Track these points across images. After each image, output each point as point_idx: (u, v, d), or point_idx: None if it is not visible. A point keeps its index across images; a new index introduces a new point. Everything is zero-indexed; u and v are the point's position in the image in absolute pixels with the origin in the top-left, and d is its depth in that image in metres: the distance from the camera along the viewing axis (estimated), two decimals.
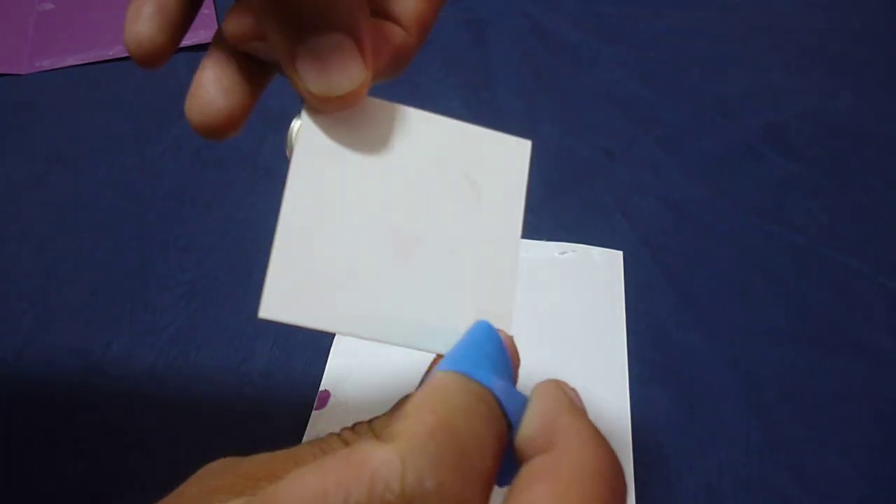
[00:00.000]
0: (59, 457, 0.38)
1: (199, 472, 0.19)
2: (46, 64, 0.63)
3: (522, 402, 0.18)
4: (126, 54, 0.62)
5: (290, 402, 0.40)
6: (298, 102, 0.21)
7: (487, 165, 0.22)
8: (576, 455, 0.15)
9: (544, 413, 0.17)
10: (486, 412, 0.16)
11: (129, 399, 0.40)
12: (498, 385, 0.17)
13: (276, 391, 0.40)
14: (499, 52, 0.66)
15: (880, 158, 0.56)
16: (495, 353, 0.19)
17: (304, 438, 0.38)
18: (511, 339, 0.20)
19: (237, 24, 0.19)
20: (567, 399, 0.17)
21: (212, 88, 0.20)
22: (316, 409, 0.39)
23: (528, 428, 0.17)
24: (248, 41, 0.20)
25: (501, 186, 0.22)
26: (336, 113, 0.20)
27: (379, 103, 0.21)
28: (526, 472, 0.16)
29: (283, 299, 0.18)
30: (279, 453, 0.19)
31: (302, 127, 0.20)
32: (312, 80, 0.18)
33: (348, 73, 0.18)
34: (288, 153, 0.20)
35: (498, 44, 0.66)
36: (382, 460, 0.14)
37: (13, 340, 0.43)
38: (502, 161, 0.22)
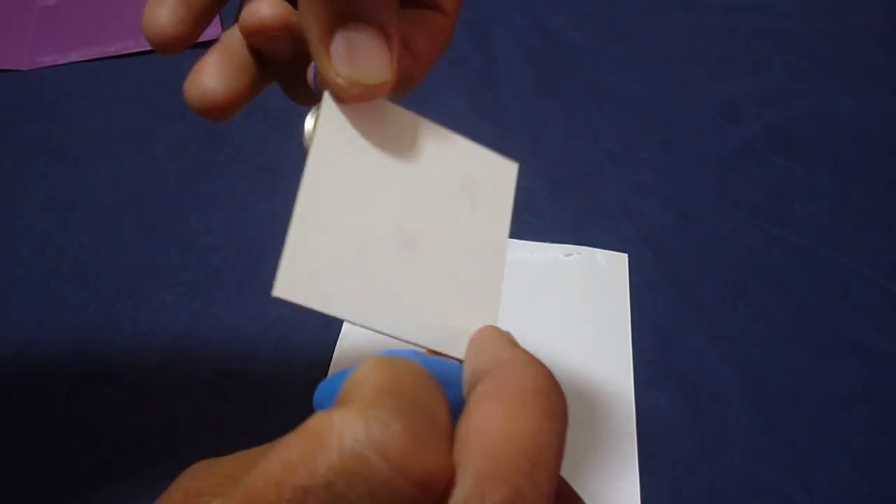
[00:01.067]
0: (60, 456, 0.38)
1: (180, 477, 0.19)
2: (48, 60, 0.63)
3: (448, 364, 0.19)
4: (129, 51, 0.62)
5: (294, 402, 0.40)
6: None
7: (482, 180, 0.23)
8: (518, 375, 0.16)
9: (485, 348, 0.18)
10: (423, 370, 0.16)
11: (130, 398, 0.40)
12: (412, 354, 0.18)
13: (279, 391, 0.40)
14: (501, 53, 0.65)
15: (882, 160, 0.56)
16: None
17: None
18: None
19: (258, 14, 0.20)
20: (503, 336, 0.19)
21: (214, 74, 0.21)
22: None
23: (475, 363, 0.18)
24: (266, 31, 0.20)
25: (492, 201, 0.23)
26: (358, 103, 0.20)
27: (391, 106, 0.21)
28: (475, 394, 0.16)
29: (296, 281, 0.19)
30: (258, 448, 0.19)
31: (324, 113, 0.20)
32: (344, 65, 0.19)
33: (378, 65, 0.19)
34: (305, 141, 0.20)
35: (501, 44, 0.66)
36: (343, 420, 0.14)
37: (14, 339, 0.43)
38: (494, 178, 0.23)
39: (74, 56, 0.63)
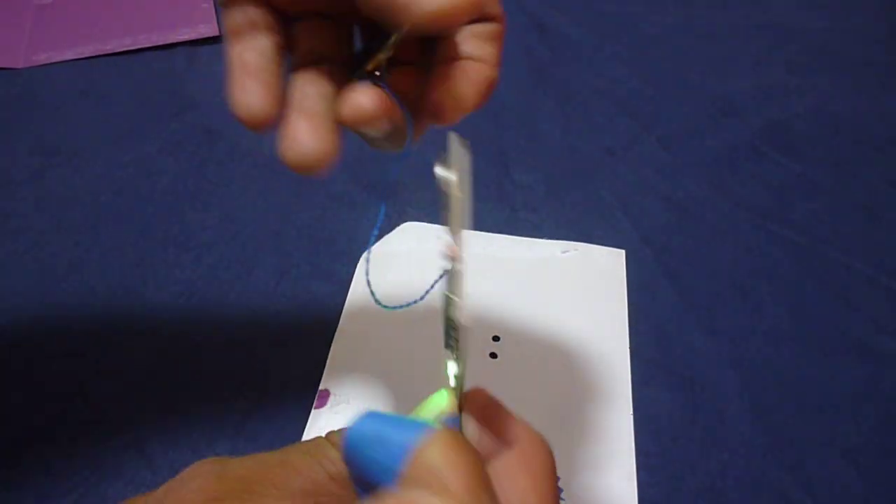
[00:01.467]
0: (56, 457, 0.37)
1: (188, 473, 0.20)
2: (43, 58, 0.62)
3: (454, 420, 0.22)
4: (124, 48, 0.62)
5: (290, 400, 0.40)
6: None
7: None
8: (539, 455, 0.21)
9: (493, 417, 0.21)
10: (479, 453, 0.19)
11: (126, 399, 0.40)
12: (446, 423, 0.21)
13: (276, 390, 0.40)
14: None
15: (882, 158, 0.56)
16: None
17: (304, 437, 0.38)
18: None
19: (360, 109, 0.22)
20: (502, 405, 0.22)
21: (309, 140, 0.22)
22: (315, 407, 0.39)
23: (484, 429, 0.21)
24: (368, 123, 0.22)
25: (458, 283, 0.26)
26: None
27: None
28: (506, 465, 0.20)
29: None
30: (267, 455, 0.20)
31: (454, 148, 0.23)
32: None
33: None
34: (442, 179, 0.22)
35: None
36: None
37: (9, 337, 0.43)
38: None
39: (70, 54, 0.63)
